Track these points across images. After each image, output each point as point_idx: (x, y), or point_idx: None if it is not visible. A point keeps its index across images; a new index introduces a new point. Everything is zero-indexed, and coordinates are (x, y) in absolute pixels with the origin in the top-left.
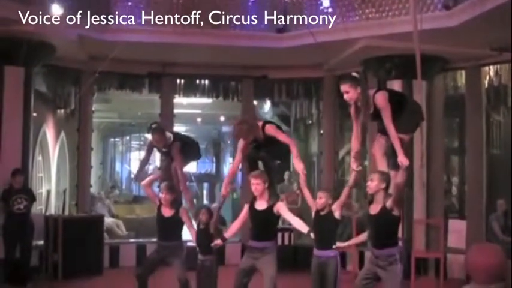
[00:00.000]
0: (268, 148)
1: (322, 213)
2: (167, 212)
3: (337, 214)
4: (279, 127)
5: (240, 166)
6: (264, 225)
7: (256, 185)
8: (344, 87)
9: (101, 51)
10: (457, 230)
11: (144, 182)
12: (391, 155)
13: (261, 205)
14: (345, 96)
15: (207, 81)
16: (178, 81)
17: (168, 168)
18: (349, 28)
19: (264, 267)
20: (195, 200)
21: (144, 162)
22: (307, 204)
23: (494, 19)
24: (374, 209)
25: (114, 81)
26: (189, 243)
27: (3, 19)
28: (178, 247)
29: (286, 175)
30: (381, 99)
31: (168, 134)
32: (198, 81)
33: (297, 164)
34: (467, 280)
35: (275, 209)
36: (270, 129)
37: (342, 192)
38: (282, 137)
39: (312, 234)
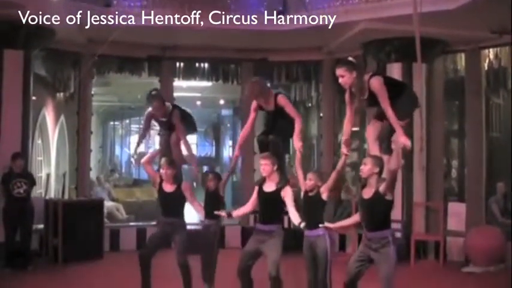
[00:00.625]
0: (276, 126)
1: (310, 194)
2: (168, 188)
3: (324, 196)
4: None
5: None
6: (271, 207)
7: (265, 165)
8: (339, 71)
9: (101, 34)
10: (456, 213)
11: (143, 160)
12: (383, 139)
13: (269, 187)
14: (340, 81)
15: (206, 65)
16: (177, 64)
17: (167, 143)
18: (349, 11)
19: (268, 251)
20: (194, 184)
21: (143, 136)
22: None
23: (494, 2)
24: (367, 193)
25: (114, 64)
26: (189, 227)
27: (2, 2)
28: (181, 224)
29: (286, 158)
30: (376, 83)
31: (167, 103)
32: (197, 65)
33: (296, 142)
34: (466, 262)
35: (282, 193)
36: (282, 100)
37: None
38: (290, 110)
39: (302, 225)
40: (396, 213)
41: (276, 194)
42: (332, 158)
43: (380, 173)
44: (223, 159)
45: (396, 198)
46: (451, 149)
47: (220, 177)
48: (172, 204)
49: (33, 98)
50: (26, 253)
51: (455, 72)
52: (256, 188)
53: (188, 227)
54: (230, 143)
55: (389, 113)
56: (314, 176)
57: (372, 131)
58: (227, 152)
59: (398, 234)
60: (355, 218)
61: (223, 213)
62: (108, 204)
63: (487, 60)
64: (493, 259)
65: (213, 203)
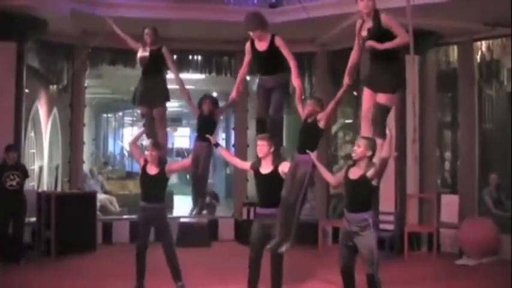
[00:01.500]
0: (269, 67)
1: (308, 120)
2: (153, 170)
3: (321, 124)
4: None
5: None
6: (271, 189)
7: (261, 146)
8: None
9: (94, 26)
10: (449, 205)
11: (131, 140)
12: (378, 122)
13: (266, 168)
14: (361, 5)
15: (199, 57)
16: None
17: (151, 123)
18: (342, 3)
19: (274, 236)
20: (187, 177)
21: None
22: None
23: None
24: (354, 174)
25: (107, 56)
26: (181, 219)
27: None
28: (162, 209)
29: (280, 150)
30: (389, 18)
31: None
32: (190, 57)
33: (295, 80)
34: (459, 254)
35: (280, 169)
36: (279, 41)
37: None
38: (287, 52)
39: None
40: (389, 204)
41: (274, 174)
42: (326, 149)
43: (371, 156)
44: (216, 152)
45: (389, 189)
46: (444, 140)
47: (216, 101)
48: (154, 187)
49: (26, 90)
50: (18, 246)
51: (448, 64)
52: (252, 171)
53: (182, 220)
54: (223, 135)
55: (394, 44)
56: (313, 102)
57: (367, 101)
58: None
59: (391, 226)
60: (331, 178)
61: (212, 138)
62: (101, 197)
63: (479, 53)
64: (486, 251)
65: (205, 127)
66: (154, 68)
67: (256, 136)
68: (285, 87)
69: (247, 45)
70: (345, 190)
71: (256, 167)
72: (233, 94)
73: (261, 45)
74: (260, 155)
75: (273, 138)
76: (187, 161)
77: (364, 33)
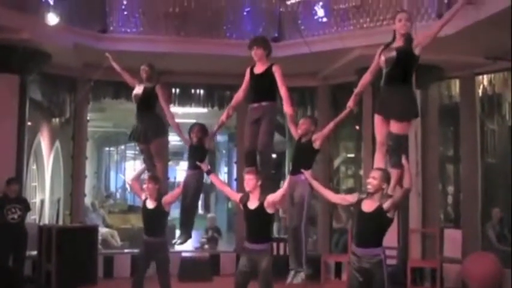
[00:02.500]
0: (263, 90)
1: (302, 140)
2: (151, 204)
3: (316, 144)
4: None
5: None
6: (258, 225)
7: (249, 180)
8: (400, 15)
9: (97, 59)
10: (452, 239)
11: (132, 177)
12: (394, 151)
13: (253, 203)
14: (397, 26)
15: (202, 91)
16: (173, 90)
17: (149, 157)
18: (344, 37)
19: (260, 272)
20: None
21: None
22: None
23: (488, 28)
24: (368, 206)
25: (110, 90)
26: (183, 254)
27: None
28: (162, 243)
29: (282, 185)
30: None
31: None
32: (193, 91)
33: (288, 108)
34: None
35: (266, 203)
36: (277, 67)
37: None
38: (280, 79)
39: None
40: (392, 239)
41: (260, 209)
42: (328, 183)
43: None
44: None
45: (392, 224)
46: (446, 174)
47: (205, 129)
48: (154, 221)
49: (29, 123)
50: (18, 279)
51: (450, 98)
52: (241, 205)
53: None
54: (225, 169)
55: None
56: (307, 121)
57: (380, 130)
58: (222, 178)
59: (393, 261)
60: (332, 195)
61: (203, 165)
62: (102, 230)
63: (481, 87)
64: (490, 286)
65: (195, 155)
66: (148, 104)
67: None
68: (272, 118)
69: (247, 70)
70: (357, 223)
71: (244, 200)
72: (223, 117)
73: (259, 69)
74: (248, 189)
75: (262, 171)
76: (178, 189)
77: (392, 53)
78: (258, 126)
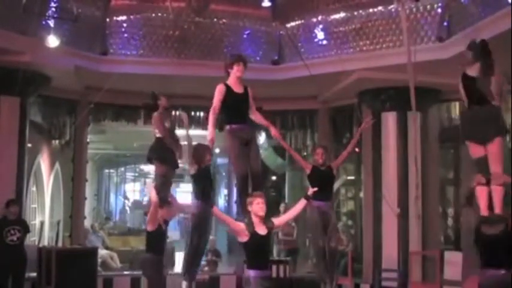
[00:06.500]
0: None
1: (322, 168)
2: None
3: (335, 171)
4: None
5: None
6: (267, 251)
7: (262, 204)
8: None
9: (97, 82)
10: (453, 262)
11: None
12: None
13: (261, 229)
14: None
15: (202, 113)
16: (173, 112)
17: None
18: (344, 60)
19: None
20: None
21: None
22: (303, 239)
23: None
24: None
25: (110, 112)
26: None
27: None
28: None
29: (281, 207)
30: None
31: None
32: (193, 113)
33: (272, 130)
34: None
35: (275, 226)
36: (251, 92)
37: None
38: (253, 102)
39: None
40: (392, 262)
41: (269, 235)
42: None
43: None
44: (218, 208)
45: (392, 246)
46: (446, 197)
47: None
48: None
49: (29, 145)
50: None
51: (450, 120)
52: (248, 233)
53: None
54: (225, 191)
55: None
56: (324, 150)
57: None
58: (222, 200)
59: (394, 284)
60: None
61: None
62: (102, 252)
63: None
64: None
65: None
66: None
67: (250, 194)
68: (256, 141)
69: (222, 88)
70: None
71: (251, 228)
72: (209, 138)
73: (238, 88)
74: (261, 214)
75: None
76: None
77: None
78: (248, 149)
